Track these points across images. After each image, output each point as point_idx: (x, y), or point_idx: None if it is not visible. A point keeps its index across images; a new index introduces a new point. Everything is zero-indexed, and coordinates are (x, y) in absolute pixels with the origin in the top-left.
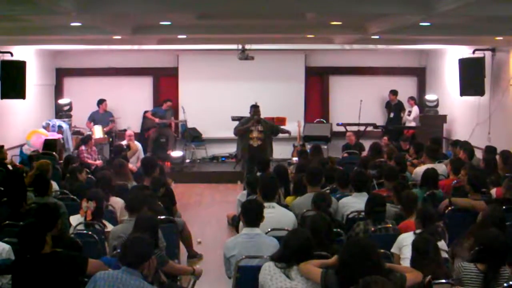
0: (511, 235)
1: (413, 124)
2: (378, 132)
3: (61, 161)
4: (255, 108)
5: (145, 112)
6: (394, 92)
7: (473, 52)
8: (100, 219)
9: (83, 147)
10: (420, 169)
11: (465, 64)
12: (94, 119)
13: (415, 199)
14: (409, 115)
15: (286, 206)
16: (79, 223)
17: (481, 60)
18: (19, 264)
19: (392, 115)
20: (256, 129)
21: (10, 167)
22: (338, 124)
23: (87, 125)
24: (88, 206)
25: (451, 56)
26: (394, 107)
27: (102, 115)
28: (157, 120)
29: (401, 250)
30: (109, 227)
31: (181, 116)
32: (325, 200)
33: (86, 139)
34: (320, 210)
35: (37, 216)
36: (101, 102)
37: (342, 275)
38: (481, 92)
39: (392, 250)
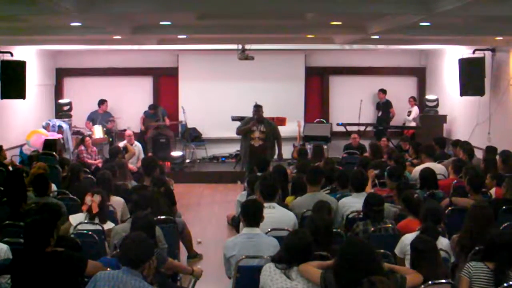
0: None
1: (413, 124)
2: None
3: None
4: (257, 108)
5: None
6: (383, 91)
7: (473, 52)
8: (105, 214)
9: (82, 147)
10: (419, 168)
11: (465, 64)
12: (93, 119)
13: (415, 198)
14: (408, 115)
15: (285, 206)
16: (79, 223)
17: (481, 60)
18: (19, 263)
19: (380, 113)
20: (258, 130)
21: (10, 167)
22: (338, 124)
23: (86, 125)
24: (93, 200)
25: (451, 56)
26: (382, 105)
27: (101, 115)
28: (153, 123)
29: (405, 250)
30: (109, 224)
31: (181, 116)
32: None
33: (81, 140)
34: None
35: (39, 215)
36: (102, 102)
37: (339, 277)
38: (481, 92)
39: (395, 251)
